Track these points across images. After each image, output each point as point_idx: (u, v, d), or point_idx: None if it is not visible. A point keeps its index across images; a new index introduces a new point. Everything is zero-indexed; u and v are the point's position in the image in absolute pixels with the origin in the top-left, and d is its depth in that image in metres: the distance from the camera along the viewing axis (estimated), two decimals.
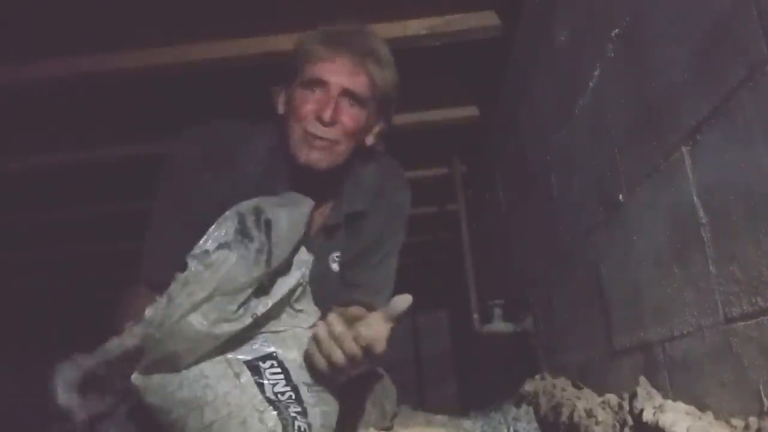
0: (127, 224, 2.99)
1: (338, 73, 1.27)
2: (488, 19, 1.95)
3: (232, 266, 1.03)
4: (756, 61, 0.79)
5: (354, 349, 1.05)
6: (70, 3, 1.68)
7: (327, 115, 1.25)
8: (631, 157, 1.20)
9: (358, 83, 1.28)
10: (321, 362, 1.07)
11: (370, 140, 1.39)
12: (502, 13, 1.94)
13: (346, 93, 1.28)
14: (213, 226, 1.10)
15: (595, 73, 1.32)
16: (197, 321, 1.02)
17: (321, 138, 1.27)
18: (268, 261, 1.07)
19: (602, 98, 1.31)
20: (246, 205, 1.12)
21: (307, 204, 1.22)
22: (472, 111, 2.55)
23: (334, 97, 1.27)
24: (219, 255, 1.05)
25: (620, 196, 1.26)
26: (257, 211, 1.11)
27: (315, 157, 1.28)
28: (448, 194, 3.12)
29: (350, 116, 1.29)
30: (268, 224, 1.10)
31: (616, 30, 1.19)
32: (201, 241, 1.09)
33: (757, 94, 0.80)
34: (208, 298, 1.02)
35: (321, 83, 1.27)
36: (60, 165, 2.51)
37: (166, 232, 1.32)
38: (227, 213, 1.12)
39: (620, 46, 1.19)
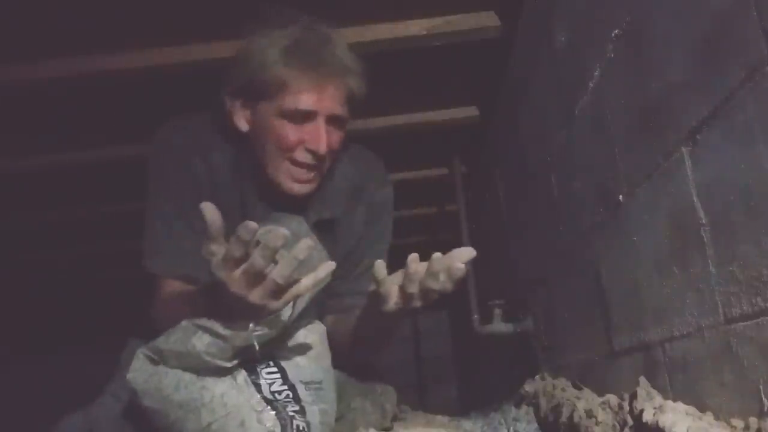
0: (128, 225, 3.00)
1: (325, 102, 1.23)
2: (488, 19, 1.95)
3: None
4: (756, 62, 0.79)
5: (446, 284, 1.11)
6: (70, 3, 1.68)
7: (322, 147, 1.22)
8: (631, 157, 1.20)
9: (344, 107, 1.26)
10: (414, 288, 1.10)
11: None
12: (502, 14, 1.94)
13: (333, 119, 1.25)
14: None
15: (595, 73, 1.32)
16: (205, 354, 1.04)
17: (310, 166, 1.25)
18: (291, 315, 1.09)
19: (602, 98, 1.31)
20: None
21: (301, 223, 1.22)
22: (472, 111, 2.54)
23: (325, 127, 1.23)
24: None
25: (620, 196, 1.26)
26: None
27: (298, 189, 1.26)
28: (447, 195, 3.12)
29: (336, 137, 1.27)
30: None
31: (616, 30, 1.19)
32: None
33: (757, 95, 0.80)
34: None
35: (308, 114, 1.23)
36: (60, 165, 2.50)
37: (171, 223, 1.30)
38: None
39: (620, 46, 1.19)
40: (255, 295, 0.98)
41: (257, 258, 0.94)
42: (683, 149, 0.99)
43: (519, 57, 1.95)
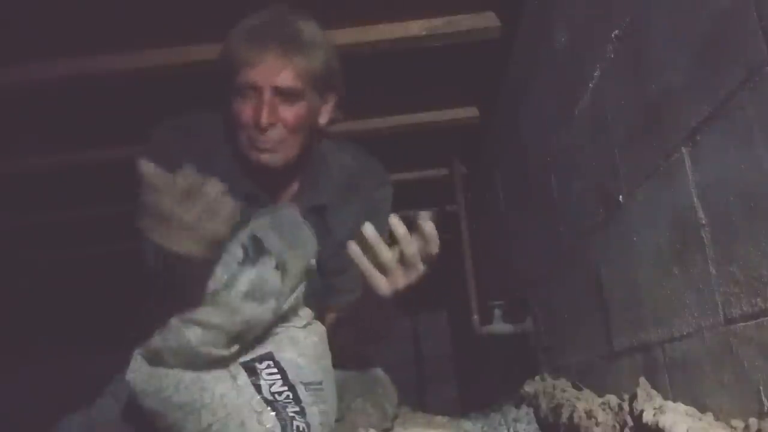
0: (128, 225, 3.00)
1: (264, 73, 1.25)
2: (488, 20, 1.95)
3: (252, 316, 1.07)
4: (755, 63, 0.79)
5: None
6: (70, 3, 1.68)
7: (263, 120, 1.24)
8: (631, 157, 1.20)
9: (286, 78, 1.26)
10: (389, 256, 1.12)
11: (324, 119, 1.37)
12: (502, 14, 1.94)
13: (277, 91, 1.26)
14: (219, 266, 1.12)
15: (595, 73, 1.32)
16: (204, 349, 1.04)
17: (264, 143, 1.27)
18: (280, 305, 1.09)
19: (602, 99, 1.31)
20: (245, 237, 1.14)
21: (292, 209, 1.23)
22: (472, 112, 2.55)
23: (267, 100, 1.25)
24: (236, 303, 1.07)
25: (620, 196, 1.26)
26: (256, 242, 1.12)
27: (265, 159, 1.28)
28: (448, 195, 3.12)
29: (289, 112, 1.27)
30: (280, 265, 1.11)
31: (616, 31, 1.19)
32: (210, 282, 1.10)
33: (756, 95, 0.80)
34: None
35: (250, 87, 1.26)
36: (60, 165, 2.51)
37: None
38: (230, 248, 1.14)
39: (620, 46, 1.19)
40: (190, 214, 1.00)
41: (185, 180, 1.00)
42: (683, 149, 0.99)
43: (519, 57, 1.95)
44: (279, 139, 1.28)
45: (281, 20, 1.29)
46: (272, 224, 1.17)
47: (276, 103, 1.26)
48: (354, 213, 1.42)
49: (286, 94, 1.27)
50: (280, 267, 1.11)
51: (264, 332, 1.12)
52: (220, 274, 1.13)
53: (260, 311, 1.07)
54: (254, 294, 1.07)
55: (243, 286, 1.07)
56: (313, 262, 1.21)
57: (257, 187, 1.36)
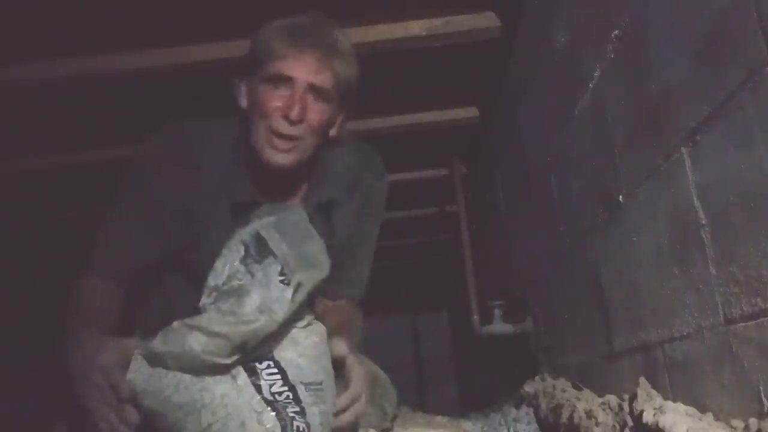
0: None
1: (304, 69, 1.26)
2: (488, 20, 1.95)
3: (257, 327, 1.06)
4: (755, 63, 0.79)
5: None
6: (70, 3, 1.68)
7: (294, 112, 1.24)
8: (631, 157, 1.20)
9: (324, 79, 1.27)
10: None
11: (333, 131, 1.38)
12: (501, 14, 1.94)
13: (312, 89, 1.27)
14: (219, 260, 1.12)
15: (595, 73, 1.32)
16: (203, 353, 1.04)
17: (286, 136, 1.27)
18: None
19: (602, 99, 1.31)
20: (247, 234, 1.13)
21: (299, 214, 1.23)
22: (472, 112, 2.55)
23: (300, 94, 1.26)
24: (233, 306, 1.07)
25: (620, 196, 1.26)
26: (260, 241, 1.12)
27: (279, 159, 1.28)
28: (448, 195, 3.12)
29: (316, 112, 1.28)
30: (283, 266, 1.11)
31: (616, 31, 1.19)
32: (210, 277, 1.10)
33: (756, 95, 0.80)
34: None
35: (286, 79, 1.26)
36: (60, 165, 2.51)
37: (127, 230, 1.35)
38: (230, 244, 1.13)
39: (620, 46, 1.19)
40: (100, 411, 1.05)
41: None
42: (683, 150, 0.99)
43: (519, 57, 1.95)
44: (300, 136, 1.28)
45: (322, 25, 1.31)
46: (277, 226, 1.16)
47: (306, 100, 1.27)
48: (356, 210, 1.44)
49: (318, 94, 1.28)
50: (293, 284, 1.10)
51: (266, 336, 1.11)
52: (220, 268, 1.12)
53: (268, 323, 1.06)
54: (264, 308, 1.07)
55: (254, 301, 1.07)
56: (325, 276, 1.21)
57: (259, 193, 1.35)
